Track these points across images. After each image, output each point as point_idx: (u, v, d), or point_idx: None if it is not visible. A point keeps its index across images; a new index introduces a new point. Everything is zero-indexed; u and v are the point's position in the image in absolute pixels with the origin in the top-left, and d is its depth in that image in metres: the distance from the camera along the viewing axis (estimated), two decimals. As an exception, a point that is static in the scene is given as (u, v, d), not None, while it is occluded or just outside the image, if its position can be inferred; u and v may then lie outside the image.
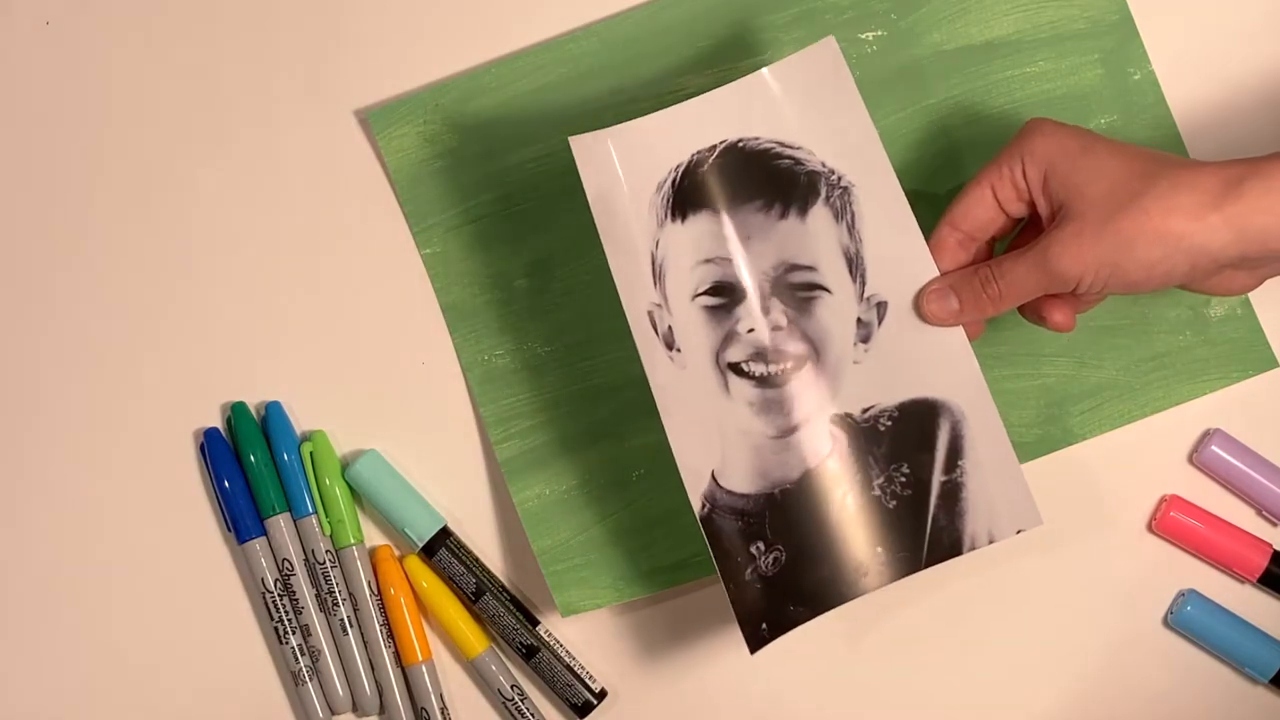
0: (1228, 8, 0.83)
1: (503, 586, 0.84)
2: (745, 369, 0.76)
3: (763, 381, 0.76)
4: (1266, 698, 0.83)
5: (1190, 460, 0.83)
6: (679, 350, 0.76)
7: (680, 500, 0.75)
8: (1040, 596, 0.83)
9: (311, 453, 0.84)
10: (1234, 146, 0.83)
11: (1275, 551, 0.82)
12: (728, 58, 0.83)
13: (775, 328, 0.76)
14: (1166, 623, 0.83)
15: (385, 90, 0.84)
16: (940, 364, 0.75)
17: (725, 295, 0.76)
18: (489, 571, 0.84)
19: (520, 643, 0.83)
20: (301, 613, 0.84)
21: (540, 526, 0.83)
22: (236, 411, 0.84)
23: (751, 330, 0.76)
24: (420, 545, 0.83)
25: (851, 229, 0.76)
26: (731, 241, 0.76)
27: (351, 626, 0.84)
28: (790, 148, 0.76)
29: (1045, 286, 0.72)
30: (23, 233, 0.85)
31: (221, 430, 0.85)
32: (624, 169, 0.76)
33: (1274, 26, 0.83)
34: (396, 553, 0.85)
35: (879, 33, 0.83)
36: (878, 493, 0.75)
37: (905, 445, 0.75)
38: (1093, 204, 0.70)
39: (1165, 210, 0.69)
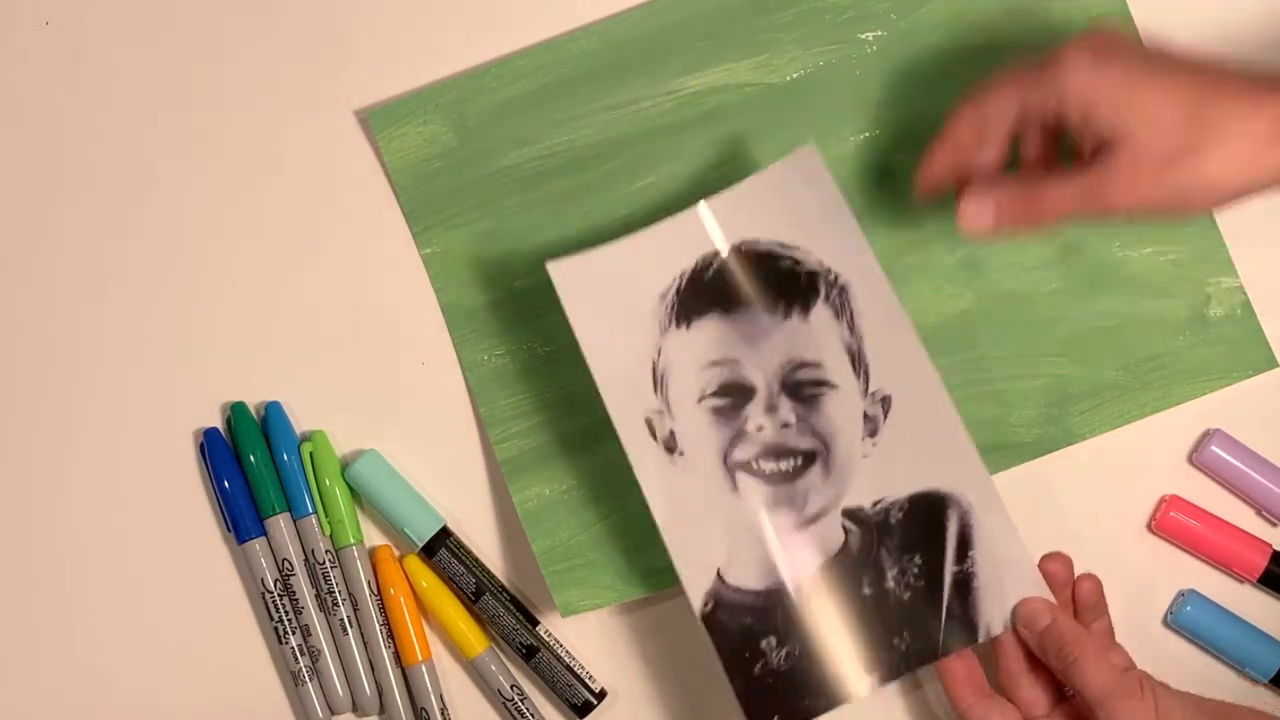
0: (1227, 7, 0.83)
1: (503, 586, 0.84)
2: (755, 467, 0.77)
3: (773, 479, 0.77)
4: (1266, 698, 0.83)
5: (1190, 460, 0.83)
6: (682, 453, 0.77)
7: None
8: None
9: (311, 453, 0.84)
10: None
11: (1275, 551, 0.82)
12: (727, 58, 0.83)
13: (784, 425, 0.77)
14: (1166, 623, 0.83)
15: (385, 90, 0.84)
16: (944, 456, 0.76)
17: (733, 395, 0.77)
18: (489, 571, 0.84)
19: (520, 643, 0.83)
20: (301, 613, 0.84)
21: (540, 526, 0.83)
22: (236, 411, 0.84)
23: (761, 428, 0.77)
24: (420, 545, 0.83)
25: (852, 326, 0.77)
26: (738, 343, 0.77)
27: (351, 626, 0.84)
28: (789, 248, 0.78)
29: (1088, 214, 0.72)
30: (22, 232, 0.85)
31: (221, 430, 0.85)
32: (615, 286, 0.77)
33: (1273, 26, 0.83)
34: (396, 553, 0.85)
35: (879, 33, 0.83)
36: (891, 584, 0.76)
37: (916, 537, 0.76)
38: (1145, 150, 0.70)
39: (1222, 161, 0.69)
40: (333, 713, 0.84)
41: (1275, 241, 0.83)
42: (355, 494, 0.84)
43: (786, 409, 0.77)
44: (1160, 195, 0.70)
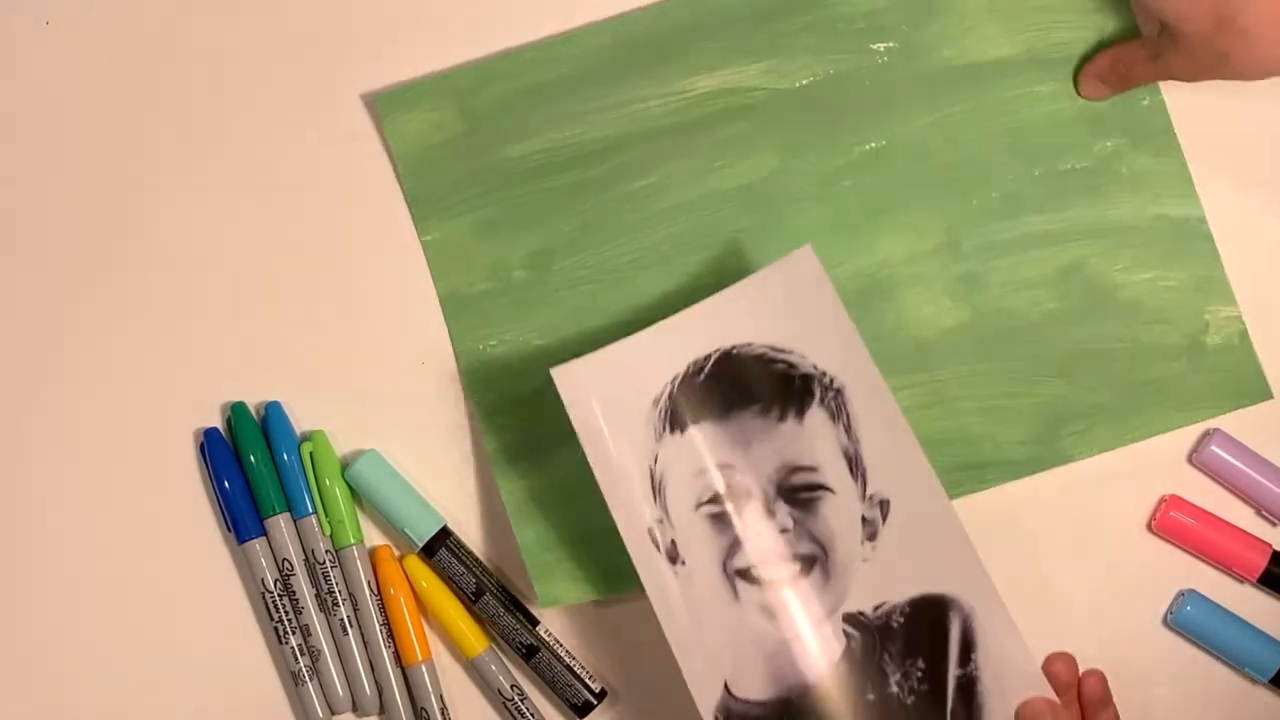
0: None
1: (503, 586, 0.84)
2: (754, 574, 0.76)
3: (773, 586, 0.76)
4: (1267, 698, 0.83)
5: (1190, 460, 0.84)
6: (684, 563, 0.76)
7: None
8: (1040, 597, 0.83)
9: (311, 453, 0.84)
10: (1239, 171, 0.83)
11: (1275, 551, 0.82)
12: (737, 61, 0.83)
13: (782, 530, 0.76)
14: (1166, 623, 0.83)
15: (394, 76, 0.84)
16: (945, 560, 0.76)
17: (730, 502, 0.77)
18: (489, 571, 0.84)
19: (520, 643, 0.83)
20: (301, 613, 0.84)
21: (526, 517, 0.83)
22: (236, 411, 0.84)
23: (759, 534, 0.76)
24: (420, 545, 0.83)
25: (849, 429, 0.76)
26: (733, 447, 0.77)
27: (351, 626, 0.84)
28: (782, 351, 0.77)
29: (1162, 81, 0.82)
30: (22, 231, 0.85)
31: (221, 430, 0.84)
32: (613, 392, 0.76)
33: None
34: (396, 553, 0.85)
35: (891, 44, 0.83)
36: (895, 689, 0.76)
37: (919, 641, 0.76)
38: (1192, 48, 0.77)
39: (1259, 58, 0.76)
40: (333, 713, 0.84)
41: (1276, 273, 0.83)
42: (355, 494, 0.84)
43: (784, 514, 0.76)
44: (1216, 77, 0.78)
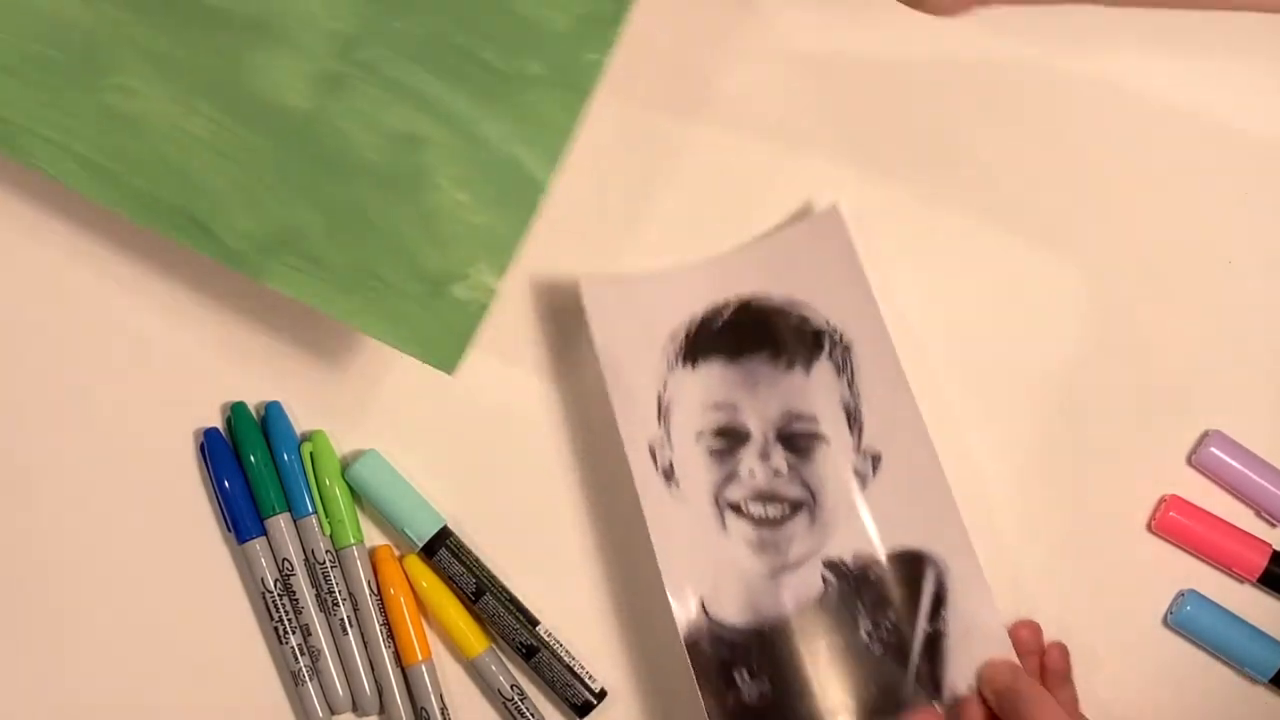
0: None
1: (503, 586, 0.84)
2: (744, 509, 0.80)
3: (760, 523, 0.80)
4: (1266, 698, 0.83)
5: (1189, 462, 0.84)
6: (678, 484, 0.80)
7: None
8: (1039, 597, 0.83)
9: (311, 453, 0.84)
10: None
11: (1275, 551, 0.82)
12: None
13: (776, 473, 0.80)
14: (1166, 623, 0.84)
15: None
16: (928, 516, 0.78)
17: (730, 439, 0.81)
18: (489, 571, 0.84)
19: (520, 643, 0.83)
20: (301, 613, 0.84)
21: None
22: (236, 411, 0.84)
23: (753, 473, 0.80)
24: (420, 545, 0.83)
25: (851, 384, 0.80)
26: (740, 389, 0.81)
27: (351, 626, 0.84)
28: (799, 304, 0.81)
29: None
30: (20, 230, 0.85)
31: (221, 430, 0.84)
32: (634, 315, 0.81)
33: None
34: (396, 553, 0.85)
35: None
36: (865, 638, 0.78)
37: (892, 594, 0.78)
38: None
39: None
40: (333, 712, 0.84)
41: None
42: (355, 494, 0.84)
43: (779, 457, 0.80)
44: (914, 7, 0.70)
